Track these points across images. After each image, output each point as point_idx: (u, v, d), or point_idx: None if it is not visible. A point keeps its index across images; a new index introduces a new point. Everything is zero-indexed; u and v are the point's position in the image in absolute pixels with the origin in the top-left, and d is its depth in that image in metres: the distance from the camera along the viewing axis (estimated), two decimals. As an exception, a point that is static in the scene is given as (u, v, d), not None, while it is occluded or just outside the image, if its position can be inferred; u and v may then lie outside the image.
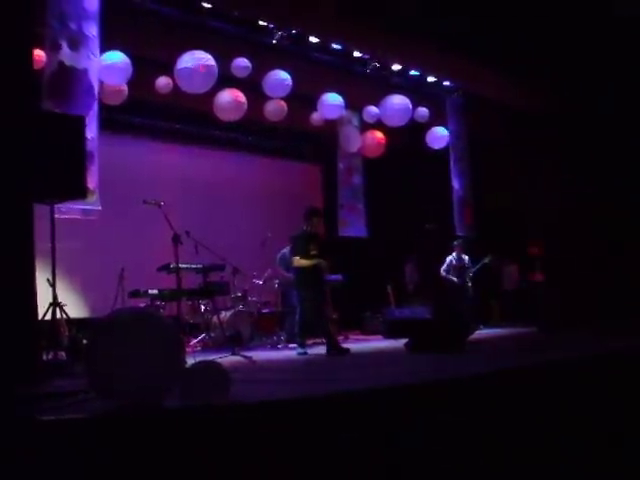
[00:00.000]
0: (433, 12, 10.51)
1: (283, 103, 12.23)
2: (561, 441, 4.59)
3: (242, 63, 10.93)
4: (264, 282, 12.14)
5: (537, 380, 5.17)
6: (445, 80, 13.96)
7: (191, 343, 10.60)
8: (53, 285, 6.65)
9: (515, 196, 14.60)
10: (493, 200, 14.74)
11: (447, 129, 14.22)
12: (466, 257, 13.62)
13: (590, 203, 13.31)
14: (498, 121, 14.56)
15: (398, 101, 12.90)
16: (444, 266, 13.71)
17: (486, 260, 13.36)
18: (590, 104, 12.91)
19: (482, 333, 11.72)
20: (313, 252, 9.21)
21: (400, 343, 8.88)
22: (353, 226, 14.65)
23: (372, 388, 4.41)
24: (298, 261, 9.18)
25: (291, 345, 10.70)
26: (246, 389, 4.70)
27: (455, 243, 13.72)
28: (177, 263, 8.43)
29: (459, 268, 13.55)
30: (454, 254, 13.66)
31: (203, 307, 11.60)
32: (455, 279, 13.48)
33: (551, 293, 13.27)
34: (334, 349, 8.89)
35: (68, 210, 8.11)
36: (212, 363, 4.17)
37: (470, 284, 13.50)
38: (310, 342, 11.11)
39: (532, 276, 14.45)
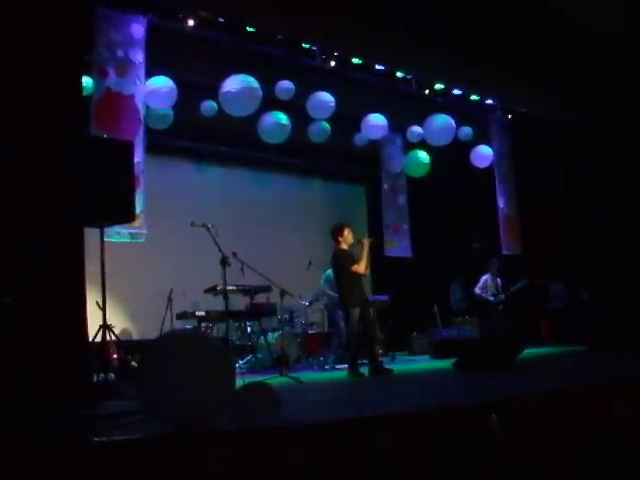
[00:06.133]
0: (474, 29, 10.48)
1: (327, 124, 12.28)
2: (613, 463, 4.51)
3: (286, 85, 11.01)
4: (310, 303, 12.15)
5: (587, 400, 5.08)
6: (488, 98, 13.91)
7: (238, 364, 10.63)
8: (103, 307, 6.72)
9: (561, 213, 14.44)
10: (538, 218, 14.60)
11: (491, 148, 14.13)
12: (499, 280, 13.55)
13: (638, 219, 13.11)
14: (542, 138, 14.44)
15: (442, 120, 12.85)
16: (479, 284, 13.60)
17: (524, 283, 13.23)
18: (637, 119, 12.74)
19: (530, 352, 11.57)
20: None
21: (448, 363, 8.81)
22: (399, 246, 14.59)
23: (420, 409, 4.37)
24: (357, 267, 9.04)
25: (338, 366, 10.67)
26: (296, 410, 4.68)
27: (490, 263, 13.62)
28: (225, 285, 8.47)
29: (493, 288, 13.47)
30: (489, 274, 13.57)
31: (250, 328, 11.64)
32: (491, 298, 13.35)
33: (599, 311, 13.07)
34: (377, 370, 8.87)
35: (114, 234, 8.22)
36: (262, 384, 4.18)
37: (502, 307, 13.41)
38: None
39: (579, 294, 14.27)
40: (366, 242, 9.24)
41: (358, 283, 9.15)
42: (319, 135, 12.43)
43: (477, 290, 13.57)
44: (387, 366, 9.25)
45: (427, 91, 12.89)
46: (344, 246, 9.30)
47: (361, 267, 9.05)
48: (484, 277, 13.59)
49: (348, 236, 9.32)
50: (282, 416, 3.92)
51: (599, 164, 13.72)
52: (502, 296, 13.31)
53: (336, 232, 9.34)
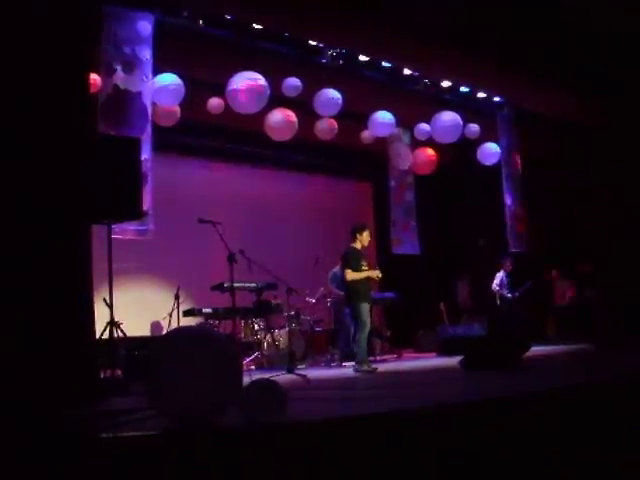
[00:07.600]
0: (481, 26, 10.44)
1: (334, 121, 12.26)
2: (621, 461, 4.50)
3: (293, 83, 10.99)
4: (317, 300, 12.15)
5: (596, 398, 5.07)
6: (496, 95, 13.88)
7: (245, 362, 10.64)
8: (110, 304, 6.73)
9: (567, 211, 14.43)
10: (546, 215, 14.59)
11: (498, 145, 14.10)
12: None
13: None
14: (549, 136, 14.41)
15: (449, 118, 12.81)
16: (496, 281, 13.69)
17: (528, 284, 13.35)
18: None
19: (537, 350, 11.53)
20: (364, 268, 9.23)
21: (454, 361, 8.79)
22: (406, 243, 14.57)
23: (427, 407, 4.37)
24: (350, 274, 9.16)
25: (345, 363, 10.68)
26: (303, 407, 4.69)
27: (504, 261, 13.70)
28: (232, 282, 8.47)
29: (507, 285, 13.57)
30: (502, 271, 13.67)
31: (256, 326, 11.64)
32: (509, 295, 13.45)
33: (606, 309, 13.05)
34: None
35: (121, 231, 8.23)
36: (269, 381, 4.17)
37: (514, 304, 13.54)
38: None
39: (586, 292, 14.27)
40: (375, 274, 9.37)
41: (363, 281, 9.20)
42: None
43: (495, 287, 13.71)
44: (389, 364, 9.29)
45: (434, 88, 12.87)
46: (357, 245, 9.43)
47: (353, 275, 9.16)
48: (499, 275, 13.74)
49: (366, 238, 9.48)
50: (288, 413, 3.92)
51: (604, 161, 13.69)
52: (517, 293, 13.43)
53: (356, 230, 9.47)
